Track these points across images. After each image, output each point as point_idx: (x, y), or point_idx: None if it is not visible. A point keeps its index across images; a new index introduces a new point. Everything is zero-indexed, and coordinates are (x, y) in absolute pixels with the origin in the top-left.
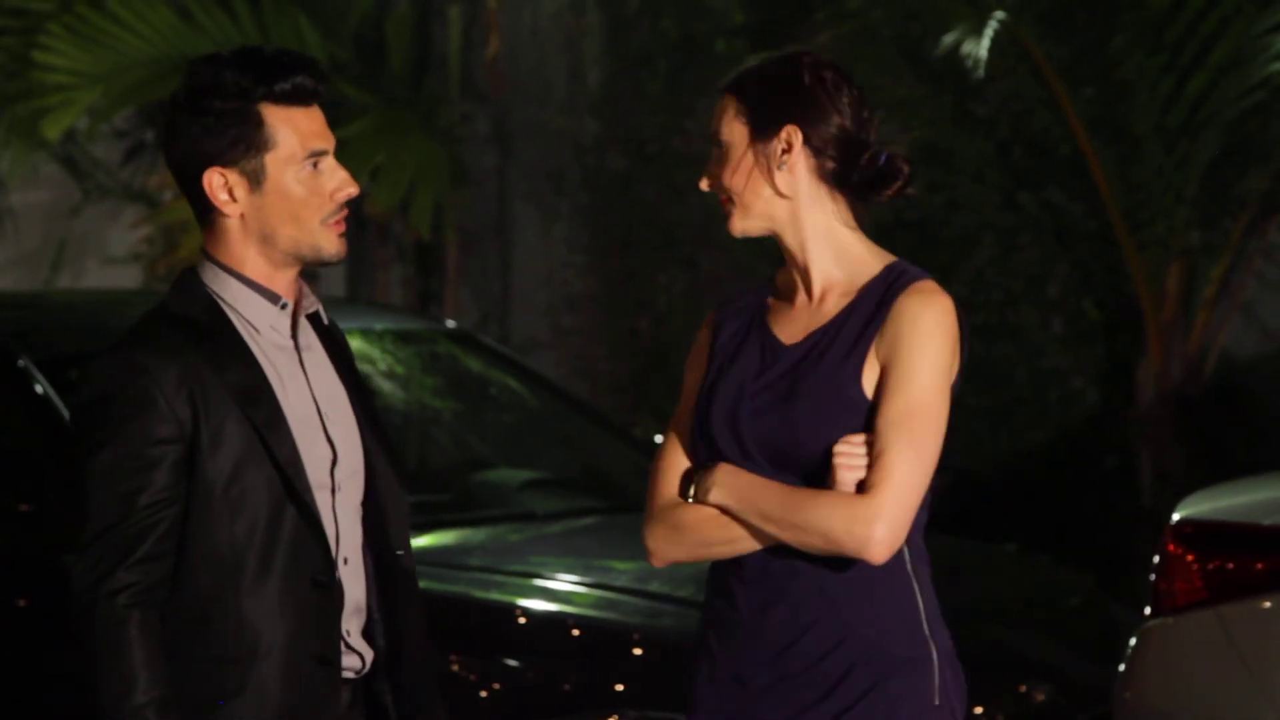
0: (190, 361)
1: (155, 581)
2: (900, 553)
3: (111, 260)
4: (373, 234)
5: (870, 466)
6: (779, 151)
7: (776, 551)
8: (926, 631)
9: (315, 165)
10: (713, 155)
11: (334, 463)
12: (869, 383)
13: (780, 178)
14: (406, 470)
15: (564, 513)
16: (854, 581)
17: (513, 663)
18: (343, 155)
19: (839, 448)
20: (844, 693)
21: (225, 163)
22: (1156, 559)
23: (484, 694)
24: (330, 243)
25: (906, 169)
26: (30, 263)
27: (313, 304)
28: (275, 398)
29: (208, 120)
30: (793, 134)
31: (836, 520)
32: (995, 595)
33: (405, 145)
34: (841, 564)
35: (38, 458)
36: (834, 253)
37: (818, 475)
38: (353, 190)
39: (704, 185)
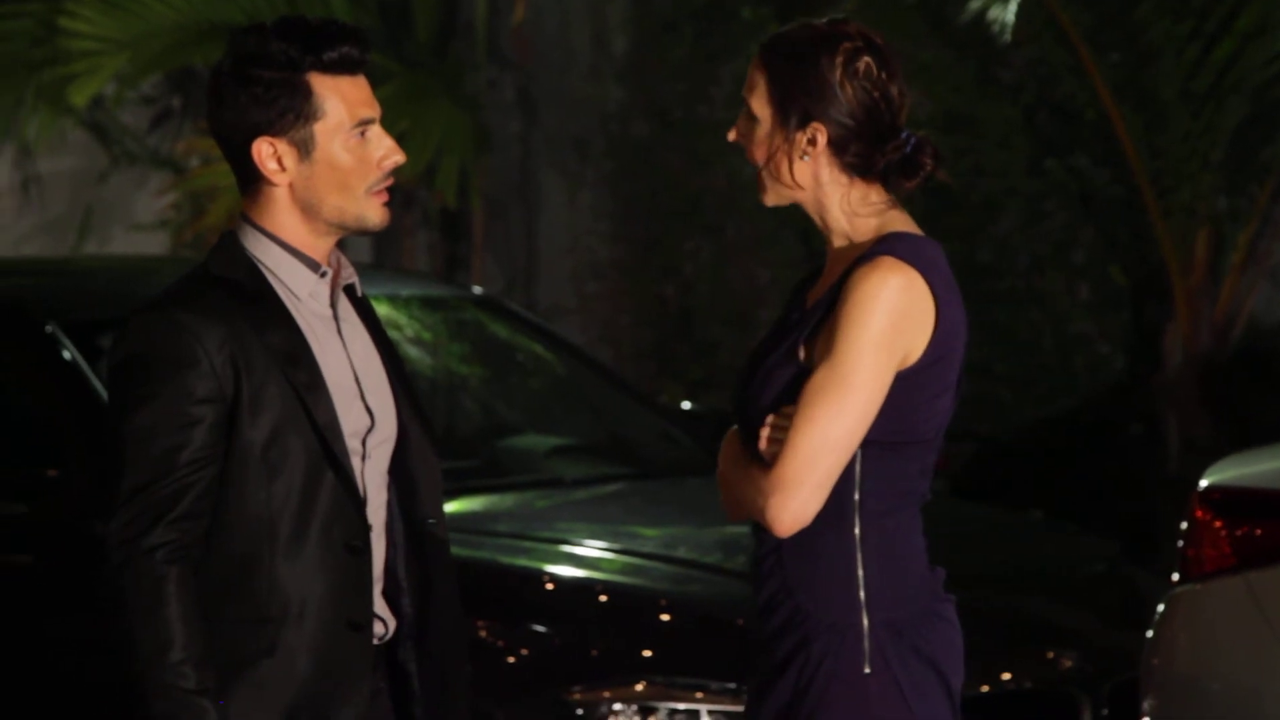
0: (233, 322)
1: (191, 540)
2: (847, 518)
3: (138, 227)
4: (398, 201)
5: (788, 439)
6: (803, 143)
7: None
8: (862, 599)
9: (363, 134)
10: (741, 114)
11: (369, 430)
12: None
13: (801, 167)
14: (438, 440)
15: (591, 479)
16: (798, 544)
17: (540, 629)
18: None
19: (767, 419)
20: (778, 652)
21: (274, 132)
22: (1184, 525)
23: (511, 660)
24: (375, 211)
25: (931, 162)
26: (57, 229)
27: (350, 275)
28: (316, 361)
29: (256, 90)
30: (817, 131)
31: (749, 492)
32: (1021, 562)
33: (430, 112)
34: None
35: (65, 424)
36: (850, 228)
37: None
38: (399, 158)
39: (731, 137)
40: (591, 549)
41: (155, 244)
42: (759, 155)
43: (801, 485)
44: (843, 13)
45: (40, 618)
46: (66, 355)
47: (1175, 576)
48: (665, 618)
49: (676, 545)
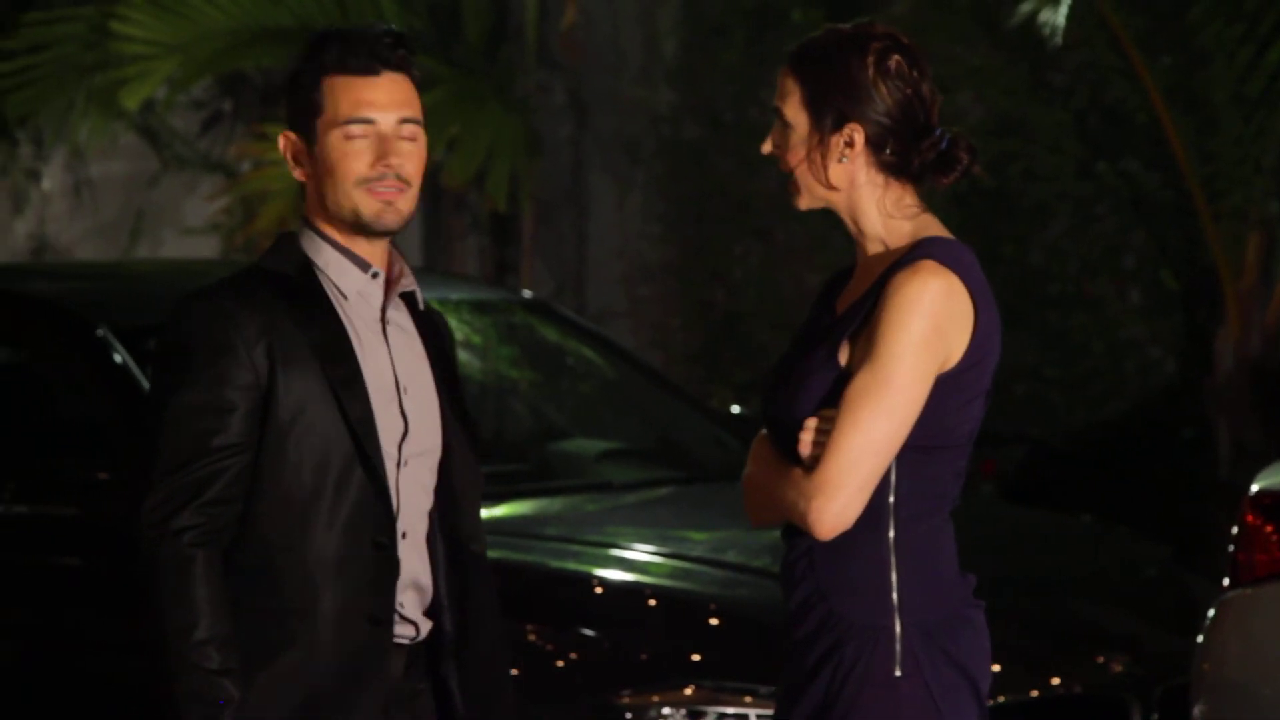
0: (273, 314)
1: (221, 525)
2: (881, 522)
3: (189, 230)
4: (448, 205)
5: (828, 447)
6: (840, 144)
7: None
8: (895, 601)
9: (355, 134)
10: (775, 124)
11: (404, 436)
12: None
13: (839, 169)
14: (483, 457)
15: (640, 483)
16: (831, 548)
17: (588, 632)
18: None
19: (807, 422)
20: (810, 656)
21: (292, 127)
22: (1235, 530)
23: (559, 663)
24: (367, 205)
25: (967, 157)
26: (109, 233)
27: (410, 283)
28: (356, 358)
29: (288, 88)
30: (854, 131)
31: (789, 495)
32: (1072, 566)
33: (481, 116)
34: None
35: (115, 427)
36: (885, 231)
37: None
38: (395, 160)
39: (765, 149)
40: (640, 553)
41: (206, 248)
42: (794, 161)
43: (844, 488)
44: (893, 16)
45: (89, 619)
46: (117, 359)
47: (1226, 581)
48: (714, 622)
49: (725, 549)
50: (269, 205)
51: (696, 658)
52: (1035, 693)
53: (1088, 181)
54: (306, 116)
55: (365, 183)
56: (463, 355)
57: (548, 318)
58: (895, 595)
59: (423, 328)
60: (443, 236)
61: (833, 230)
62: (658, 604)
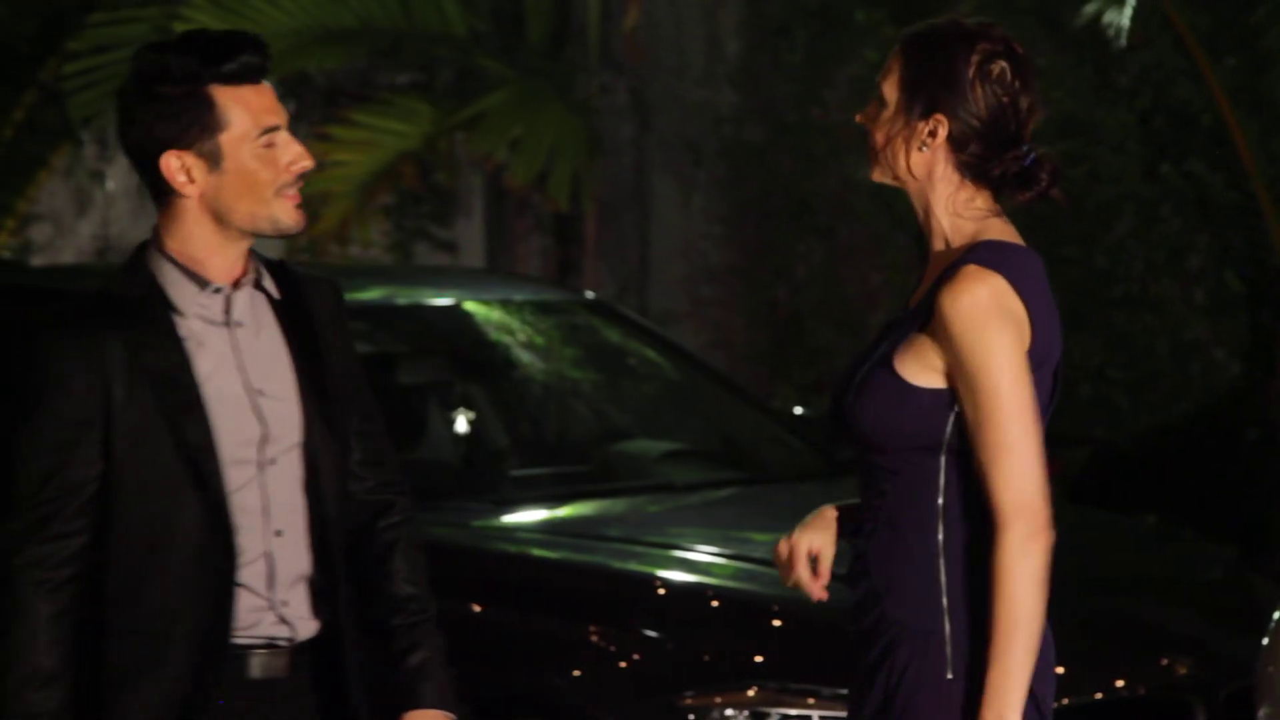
0: (109, 345)
1: (65, 558)
2: (930, 524)
3: None
4: (511, 205)
5: (983, 477)
6: (924, 132)
7: (863, 509)
8: (945, 604)
9: (270, 142)
10: (874, 97)
11: (264, 439)
12: (915, 367)
13: (918, 157)
14: (546, 458)
15: (703, 484)
16: (884, 549)
17: (651, 633)
18: (481, 127)
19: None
20: (869, 655)
21: (181, 145)
22: None
23: (623, 664)
24: (287, 213)
25: (1047, 179)
26: None
27: (250, 280)
28: (193, 381)
29: (159, 106)
30: (940, 123)
31: (1009, 565)
32: (1136, 568)
33: (543, 116)
34: (879, 529)
35: None
36: (949, 230)
37: (875, 450)
38: (307, 163)
39: (858, 119)
40: (703, 554)
41: (268, 249)
42: (879, 137)
43: (1033, 501)
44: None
45: None
46: None
47: None
48: (777, 623)
49: None
50: (331, 206)
51: (759, 659)
52: (1099, 694)
53: (1152, 183)
54: (208, 132)
55: (285, 189)
56: (525, 356)
57: (610, 318)
58: (945, 599)
59: (287, 309)
60: (506, 237)
61: (896, 229)
62: (720, 605)
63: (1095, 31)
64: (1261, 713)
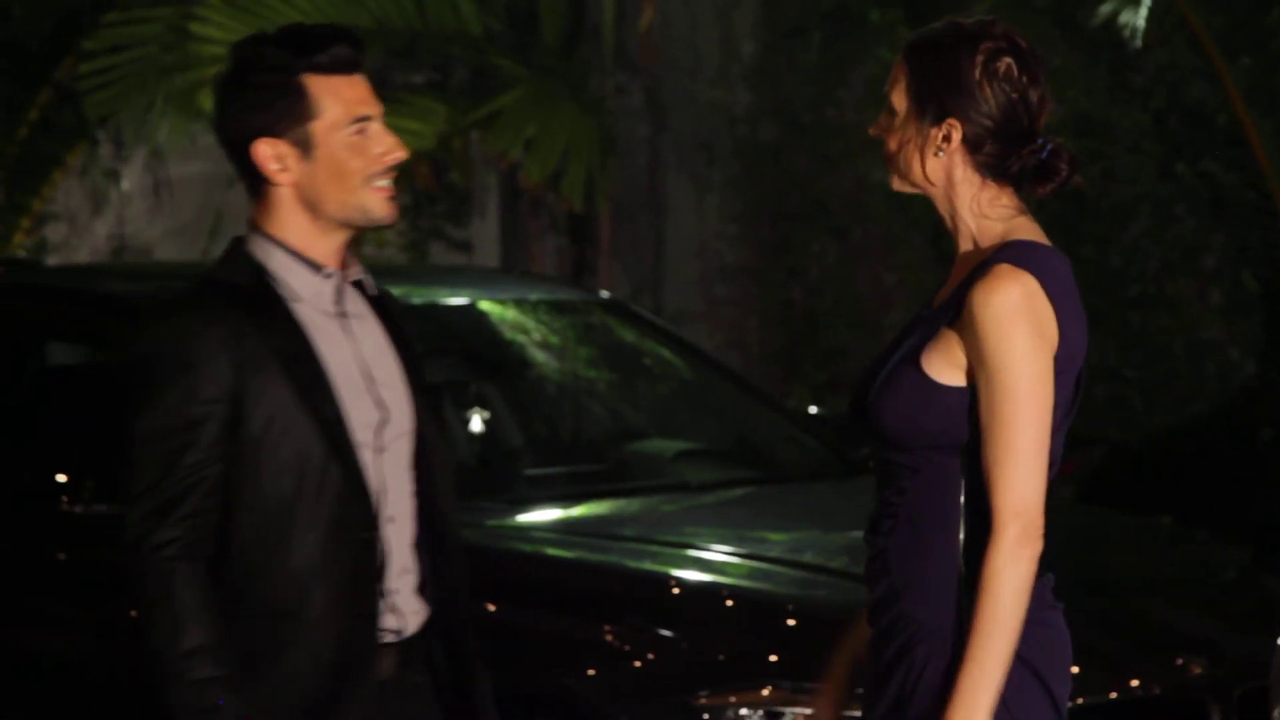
0: (233, 324)
1: (199, 537)
2: (951, 524)
3: None
4: (526, 205)
5: (986, 476)
6: (938, 138)
7: (881, 507)
8: (964, 604)
9: (361, 130)
10: (884, 108)
11: (382, 424)
12: (942, 365)
13: (935, 163)
14: (561, 458)
15: (717, 483)
16: (904, 548)
17: (666, 633)
18: (495, 126)
19: None
20: (885, 654)
21: (273, 133)
22: None
23: (637, 664)
24: (378, 204)
25: (1067, 169)
26: (187, 233)
27: (357, 273)
28: (317, 359)
29: (251, 95)
30: (953, 128)
31: (999, 569)
32: (1151, 568)
33: (557, 116)
34: (899, 527)
35: None
36: (977, 230)
37: (897, 448)
38: (400, 155)
39: (871, 132)
40: (718, 553)
41: None
42: (895, 150)
43: (1028, 509)
44: (973, 16)
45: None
46: None
47: None
48: (792, 622)
49: (803, 550)
50: None
51: (774, 658)
52: (1114, 694)
53: (1167, 182)
54: (299, 120)
55: (376, 180)
56: (540, 356)
57: (625, 318)
58: (964, 598)
59: (379, 312)
60: (521, 237)
61: (910, 229)
62: (735, 604)
63: (1110, 31)
64: (1276, 712)
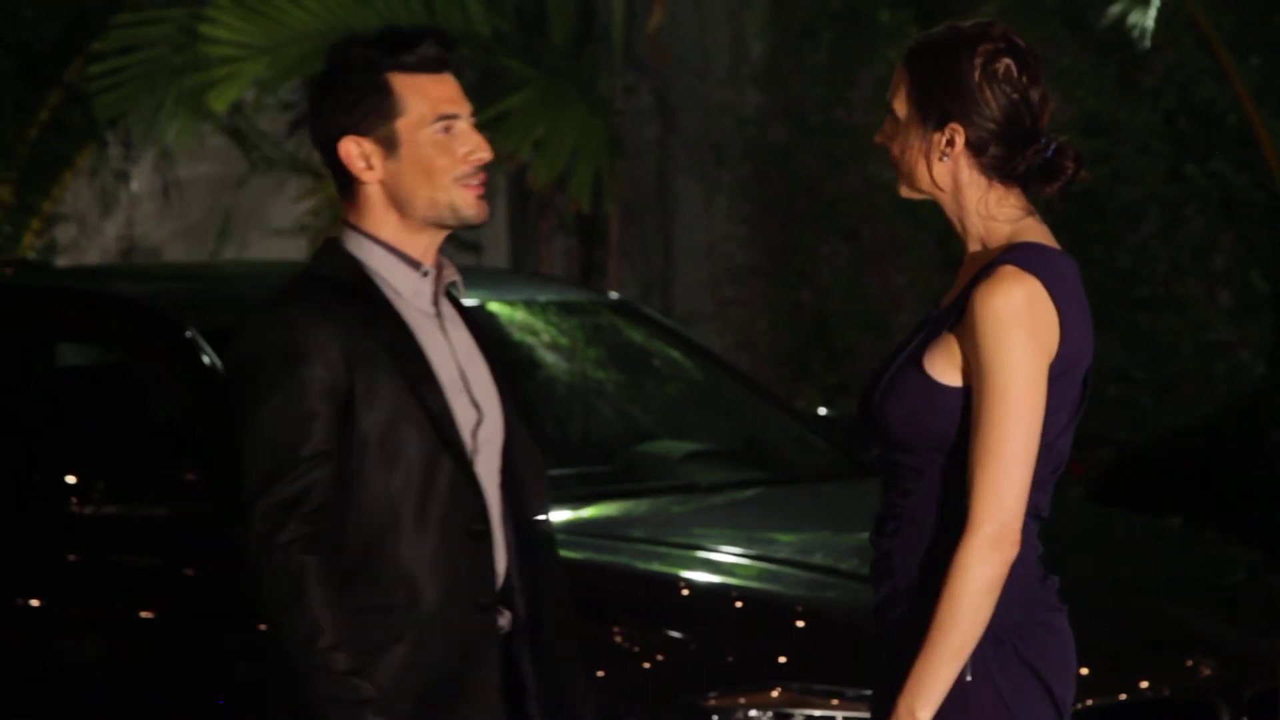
0: (341, 318)
1: (322, 531)
2: (957, 527)
3: (276, 232)
4: (534, 206)
5: (969, 475)
6: (942, 143)
7: (885, 508)
8: None
9: (447, 129)
10: (887, 115)
11: (478, 424)
12: (944, 366)
13: (941, 168)
14: (569, 459)
15: (726, 484)
16: (909, 550)
17: (675, 634)
18: (504, 127)
19: None
20: (889, 653)
21: (359, 131)
22: None
23: (646, 665)
24: (468, 202)
25: (1073, 165)
26: (197, 234)
27: (453, 275)
28: (424, 355)
29: (341, 93)
30: (955, 132)
31: (966, 565)
32: (1160, 569)
33: (566, 117)
34: (903, 529)
35: (204, 428)
36: (984, 233)
37: (901, 449)
38: (485, 155)
39: (877, 140)
40: (727, 554)
41: (293, 249)
42: (901, 157)
43: (1002, 511)
44: (982, 17)
45: (177, 619)
46: (206, 360)
47: None
48: (801, 624)
49: (812, 551)
50: None
51: (783, 660)
52: (1123, 695)
53: (1177, 183)
54: (384, 118)
55: (464, 179)
56: (549, 356)
57: (634, 319)
58: None
59: (465, 317)
60: (529, 238)
61: (919, 230)
62: (744, 606)
63: (1120, 32)
64: None
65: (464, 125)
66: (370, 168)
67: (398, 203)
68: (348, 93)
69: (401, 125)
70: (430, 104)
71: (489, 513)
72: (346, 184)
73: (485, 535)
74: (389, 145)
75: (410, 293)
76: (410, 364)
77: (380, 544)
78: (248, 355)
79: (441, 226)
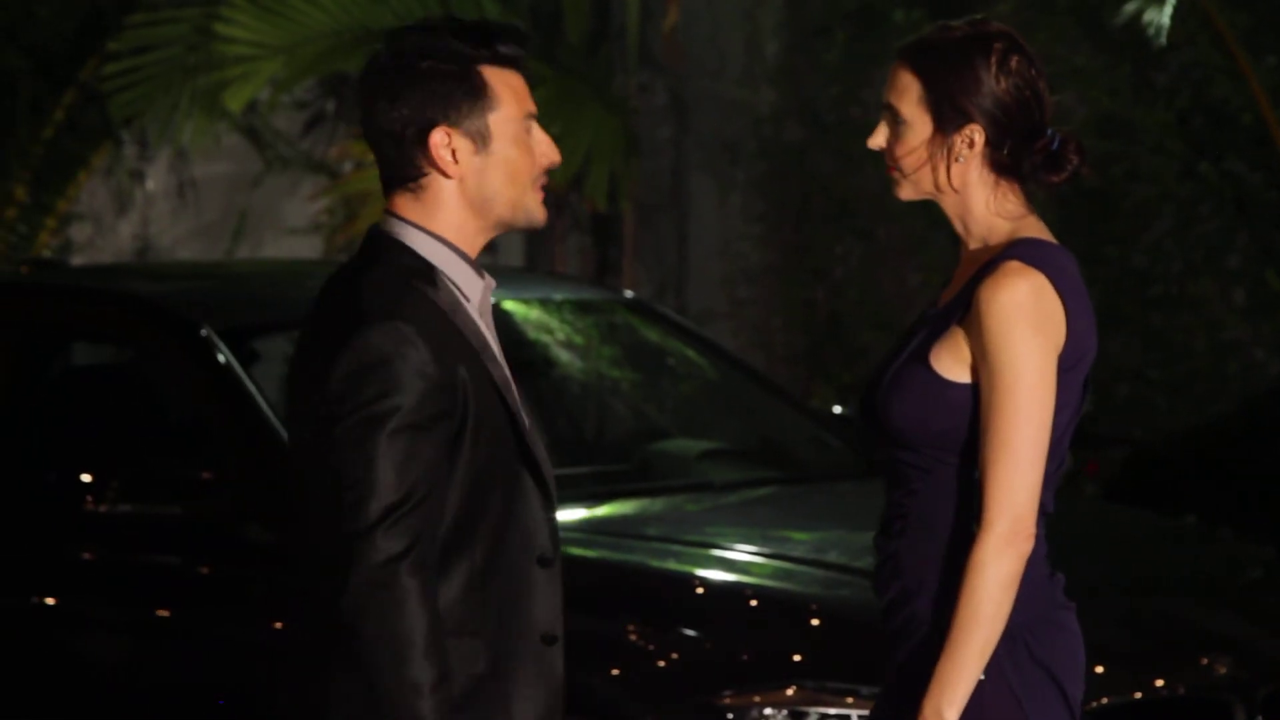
0: (445, 329)
1: (430, 546)
2: (965, 525)
3: (292, 231)
4: (550, 205)
5: (981, 471)
6: (961, 145)
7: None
8: None
9: (529, 129)
10: (884, 118)
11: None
12: (950, 362)
13: (956, 169)
14: (584, 458)
15: (741, 483)
16: (916, 549)
17: (690, 632)
18: None
19: None
20: (897, 655)
21: (451, 123)
22: None
23: (661, 664)
24: (539, 206)
25: (1076, 158)
26: (212, 233)
27: (492, 280)
28: (498, 356)
29: (431, 83)
30: (975, 132)
31: (983, 562)
32: (1175, 568)
33: (581, 116)
34: (909, 529)
35: (219, 427)
36: (987, 230)
37: (906, 447)
38: (557, 158)
39: (871, 144)
40: (742, 553)
41: (308, 248)
42: (910, 161)
43: (1014, 506)
44: (996, 16)
45: (191, 619)
46: (221, 359)
47: None
48: (816, 622)
49: (827, 549)
50: (370, 206)
51: (798, 658)
52: (1138, 694)
53: (1191, 182)
54: (478, 111)
55: (538, 180)
56: (564, 355)
57: (649, 318)
58: None
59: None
60: (544, 237)
61: (933, 229)
62: (759, 604)
63: (1134, 30)
64: None
65: (538, 126)
66: (455, 162)
67: (476, 201)
68: (440, 82)
69: (494, 120)
70: (519, 100)
71: (559, 537)
72: (418, 177)
73: (552, 562)
74: (480, 140)
75: (477, 299)
76: (494, 367)
77: (479, 564)
78: (363, 372)
79: (508, 229)
